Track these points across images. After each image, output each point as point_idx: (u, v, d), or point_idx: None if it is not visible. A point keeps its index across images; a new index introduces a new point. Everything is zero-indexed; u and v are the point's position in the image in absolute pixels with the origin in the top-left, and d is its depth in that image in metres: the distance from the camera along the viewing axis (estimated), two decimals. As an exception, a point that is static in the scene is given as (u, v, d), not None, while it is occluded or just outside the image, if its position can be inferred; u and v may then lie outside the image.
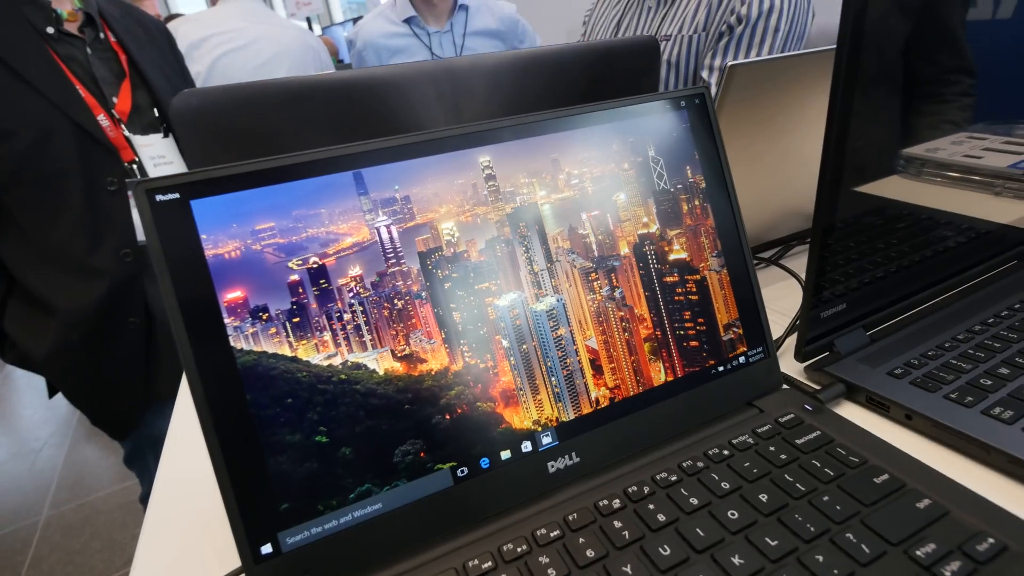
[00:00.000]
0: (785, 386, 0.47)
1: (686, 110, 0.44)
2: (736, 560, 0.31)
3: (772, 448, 0.39)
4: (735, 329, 0.45)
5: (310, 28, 3.95)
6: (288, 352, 0.33)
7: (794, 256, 0.74)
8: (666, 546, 0.33)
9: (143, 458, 1.19)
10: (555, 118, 0.40)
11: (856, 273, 0.51)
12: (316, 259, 0.34)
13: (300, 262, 0.34)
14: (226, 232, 0.32)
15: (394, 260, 0.36)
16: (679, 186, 0.44)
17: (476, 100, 0.49)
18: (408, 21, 1.58)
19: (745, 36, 0.94)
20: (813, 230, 0.45)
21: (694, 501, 0.35)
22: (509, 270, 0.38)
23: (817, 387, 0.47)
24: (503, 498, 0.37)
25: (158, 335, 1.06)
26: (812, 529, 0.32)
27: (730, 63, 0.52)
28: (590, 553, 0.33)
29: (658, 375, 0.42)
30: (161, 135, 1.06)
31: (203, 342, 0.32)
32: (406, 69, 0.46)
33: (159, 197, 0.31)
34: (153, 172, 1.04)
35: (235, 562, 0.37)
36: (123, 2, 1.16)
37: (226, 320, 0.32)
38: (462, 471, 0.36)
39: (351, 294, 0.35)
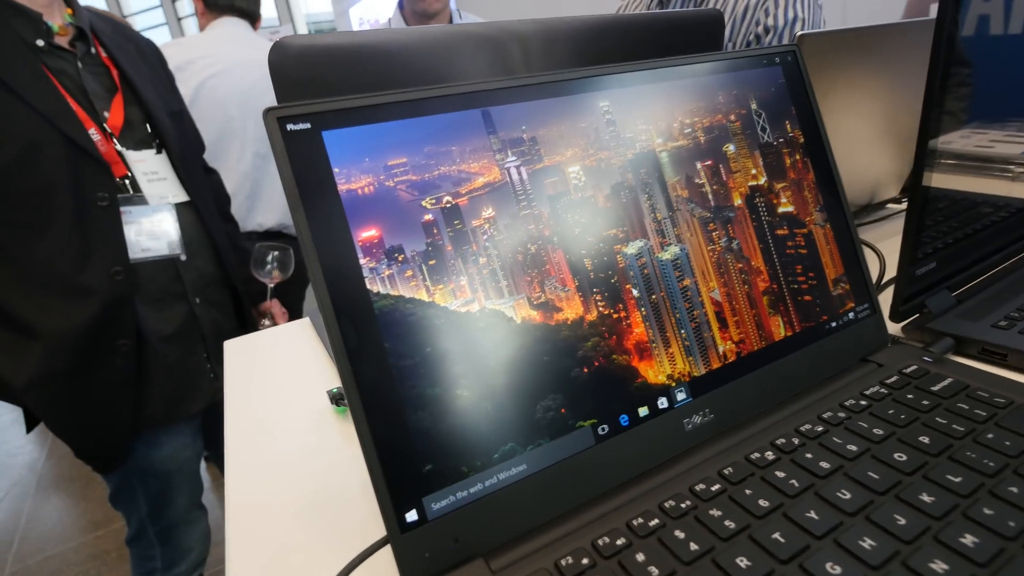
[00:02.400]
0: (891, 345, 0.46)
1: (780, 67, 0.44)
2: (926, 497, 0.29)
3: (910, 396, 0.37)
4: (843, 284, 0.44)
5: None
6: (425, 297, 0.30)
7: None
8: (843, 491, 0.30)
9: (131, 493, 1.09)
10: (667, 66, 0.39)
11: (942, 235, 0.51)
12: (449, 198, 0.32)
13: (434, 201, 0.31)
14: (359, 166, 0.30)
15: (525, 203, 0.33)
16: (781, 140, 0.43)
17: (555, 60, 0.48)
18: None
19: (773, 43, 0.98)
20: (912, 187, 0.45)
21: (853, 447, 0.33)
22: (634, 217, 0.37)
23: (920, 345, 0.46)
24: (644, 458, 0.34)
25: (149, 359, 0.98)
26: (992, 465, 0.31)
27: (800, 32, 0.53)
28: (731, 524, 0.30)
29: (778, 330, 0.40)
30: (154, 151, 1.02)
31: (340, 284, 0.28)
32: (497, 27, 0.44)
33: (290, 126, 0.28)
34: (147, 188, 1.00)
35: (356, 545, 0.33)
36: (113, 19, 1.13)
37: (362, 260, 0.29)
38: (603, 429, 0.34)
39: (485, 237, 0.32)
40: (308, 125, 0.29)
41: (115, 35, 1.06)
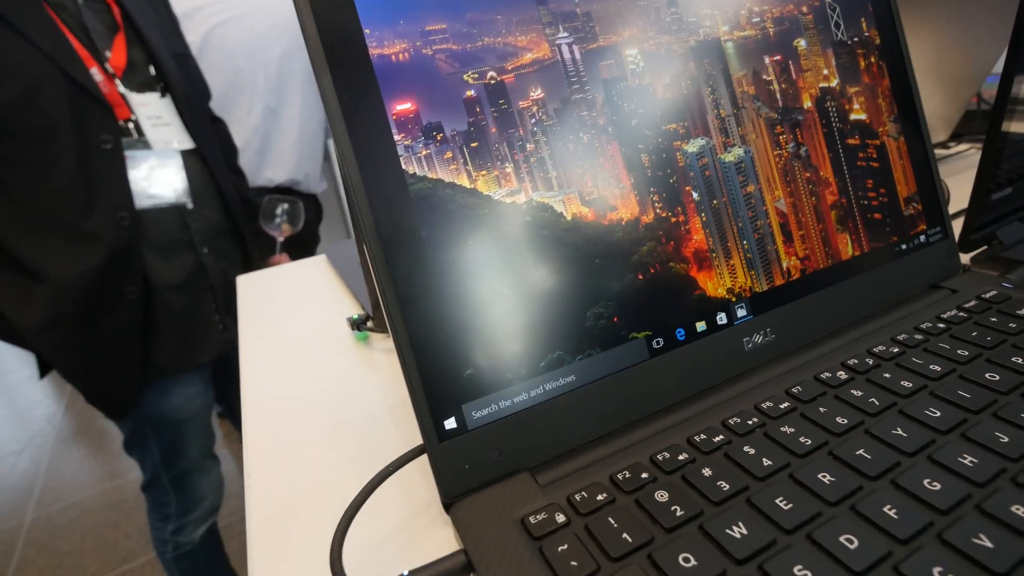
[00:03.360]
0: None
1: (856, -43, 0.39)
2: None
3: (994, 319, 0.34)
4: (915, 204, 0.40)
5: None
6: (467, 183, 0.27)
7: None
8: (932, 408, 0.27)
9: (144, 441, 1.09)
10: (734, -56, 0.35)
11: (1017, 166, 0.47)
12: (494, 74, 0.28)
13: (477, 75, 0.27)
14: (392, 29, 0.26)
15: (578, 85, 0.30)
16: (856, 39, 0.38)
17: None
18: None
19: None
20: (994, 110, 0.40)
21: (936, 368, 0.30)
22: (696, 112, 0.33)
23: (995, 274, 0.42)
24: (701, 376, 0.31)
25: (157, 307, 0.96)
26: (1102, 384, 0.27)
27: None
28: (807, 441, 0.27)
29: (845, 248, 0.37)
30: (158, 95, 0.98)
31: (371, 162, 0.25)
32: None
33: (315, -25, 0.24)
34: (151, 133, 0.96)
35: (389, 452, 0.30)
36: None
37: (396, 136, 0.25)
38: (657, 342, 0.30)
39: (533, 121, 0.28)
40: (335, -23, 0.25)
41: None
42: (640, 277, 0.30)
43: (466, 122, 0.27)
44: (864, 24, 0.39)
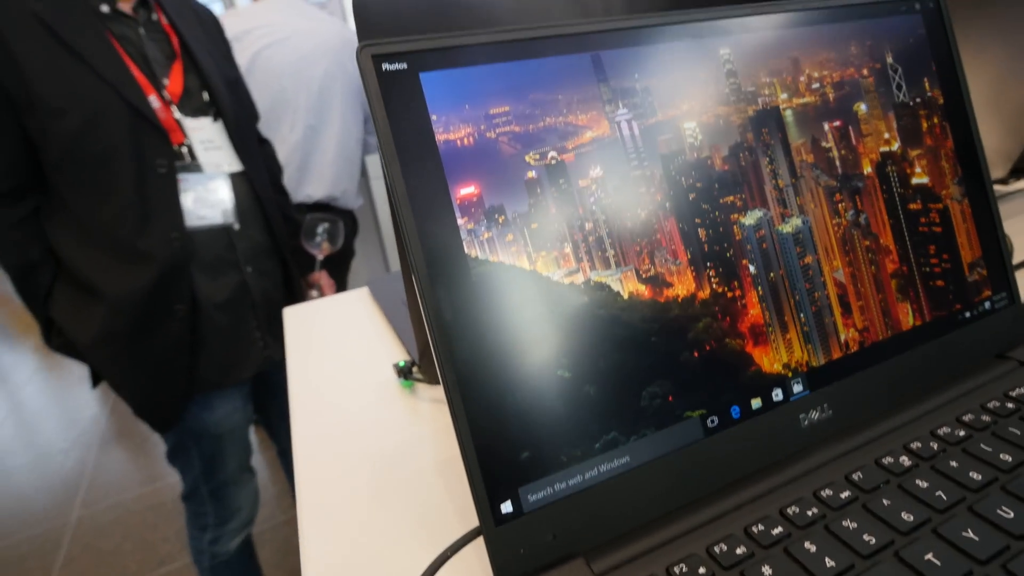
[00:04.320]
0: (1031, 339, 0.40)
1: (920, 15, 0.38)
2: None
3: (1068, 400, 0.32)
4: (979, 269, 0.38)
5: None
6: (527, 265, 0.27)
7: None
8: (1005, 508, 0.26)
9: (186, 453, 1.12)
10: (795, 9, 0.34)
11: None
12: (555, 154, 0.28)
13: (538, 156, 0.28)
14: (458, 114, 0.26)
15: (636, 161, 0.30)
16: (918, 100, 0.37)
17: None
18: None
19: None
20: None
21: (1007, 457, 0.29)
22: (754, 183, 0.32)
23: (1064, 341, 0.40)
24: (757, 455, 0.31)
25: (203, 324, 1.00)
26: None
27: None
28: (871, 540, 0.26)
29: (906, 318, 0.36)
30: (211, 119, 1.02)
31: (436, 247, 0.25)
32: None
33: (386, 66, 0.25)
34: (203, 156, 1.00)
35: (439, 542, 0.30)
36: None
37: (459, 221, 0.26)
38: (712, 420, 0.30)
39: (592, 199, 0.29)
40: (405, 65, 0.26)
41: (175, 2, 1.05)
42: (696, 354, 0.30)
43: (527, 203, 0.27)
44: (927, 84, 0.38)
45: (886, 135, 0.36)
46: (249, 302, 1.08)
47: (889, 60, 0.37)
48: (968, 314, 0.37)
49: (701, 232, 0.31)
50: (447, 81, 0.26)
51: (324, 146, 1.62)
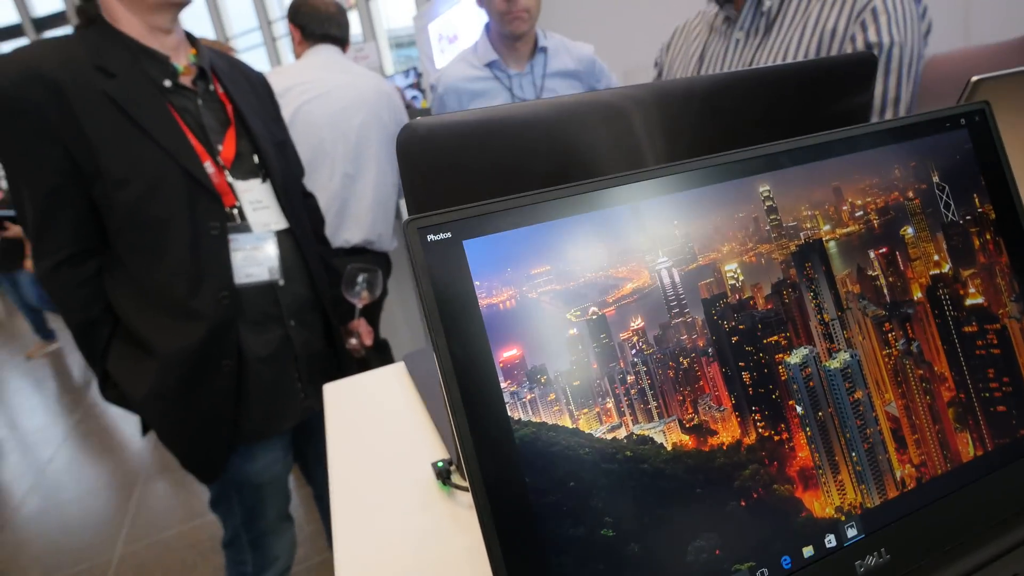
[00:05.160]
0: (1104, 461, 0.38)
1: (966, 129, 0.37)
2: None
3: None
4: (1043, 390, 0.36)
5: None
6: (569, 423, 0.27)
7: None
8: None
9: (228, 502, 1.15)
10: (833, 139, 0.34)
11: None
12: (596, 309, 0.28)
13: (579, 312, 0.28)
14: (500, 277, 0.27)
15: (677, 309, 0.30)
16: (968, 217, 0.36)
17: (692, 126, 0.43)
18: (489, 65, 1.58)
19: (880, 65, 0.87)
20: None
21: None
22: (798, 320, 0.32)
23: None
24: (810, 609, 0.30)
25: (248, 378, 1.03)
26: None
27: (973, 78, 0.45)
28: None
29: (966, 449, 0.34)
30: (260, 180, 1.07)
31: (479, 413, 0.26)
32: (622, 94, 0.41)
33: (431, 237, 0.26)
34: (252, 216, 1.04)
35: None
36: (229, 56, 1.19)
37: (503, 384, 0.26)
38: (762, 573, 0.29)
39: (633, 351, 0.29)
40: (449, 234, 0.27)
41: (230, 71, 1.12)
42: (743, 503, 0.29)
43: (568, 361, 0.28)
44: (977, 200, 0.37)
45: (936, 257, 0.35)
46: (292, 355, 1.11)
47: (935, 179, 0.36)
48: (1033, 440, 0.36)
49: (745, 376, 0.30)
50: (490, 246, 0.27)
51: (361, 193, 1.67)
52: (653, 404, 0.29)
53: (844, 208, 0.34)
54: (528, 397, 0.27)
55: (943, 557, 0.32)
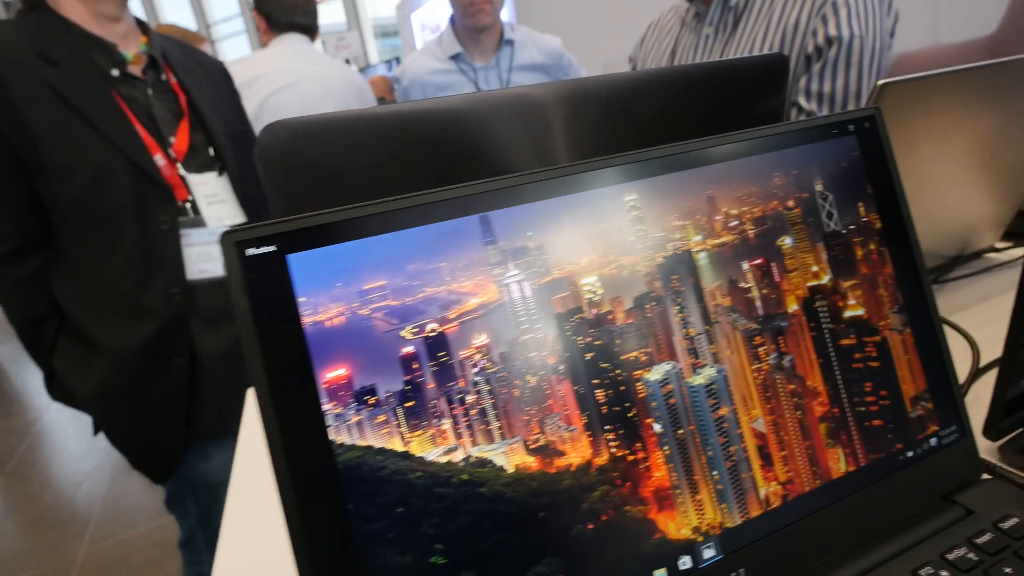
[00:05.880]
0: (985, 475, 0.38)
1: (855, 136, 0.37)
2: None
3: (1008, 570, 0.30)
4: (924, 403, 0.36)
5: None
6: (399, 446, 0.26)
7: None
8: None
9: (183, 502, 1.13)
10: (709, 147, 0.33)
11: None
12: (435, 325, 0.27)
13: (416, 330, 0.27)
14: (329, 294, 0.26)
15: (527, 325, 0.29)
16: (852, 227, 0.36)
17: (586, 129, 0.42)
18: (454, 58, 1.56)
19: (841, 59, 0.87)
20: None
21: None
22: (661, 335, 0.31)
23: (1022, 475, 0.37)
24: (660, 632, 0.29)
25: (202, 376, 1.01)
26: None
27: (881, 82, 0.45)
28: None
29: (837, 464, 0.33)
30: (216, 173, 1.04)
31: (296, 437, 0.25)
32: (509, 95, 0.39)
33: (251, 251, 0.25)
34: (206, 210, 1.02)
35: None
36: (185, 44, 1.16)
37: (325, 407, 0.25)
38: (610, 597, 0.28)
39: (475, 369, 0.28)
40: (273, 248, 0.25)
41: (185, 60, 1.08)
42: (590, 526, 0.28)
43: (402, 381, 0.26)
44: (862, 208, 0.36)
45: (815, 268, 0.35)
46: None
47: (818, 188, 0.35)
48: (911, 453, 0.35)
49: (599, 393, 0.29)
50: (319, 260, 0.26)
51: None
52: (495, 425, 0.28)
53: (717, 218, 0.33)
54: (354, 419, 0.26)
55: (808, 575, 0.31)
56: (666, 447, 0.30)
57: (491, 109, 0.40)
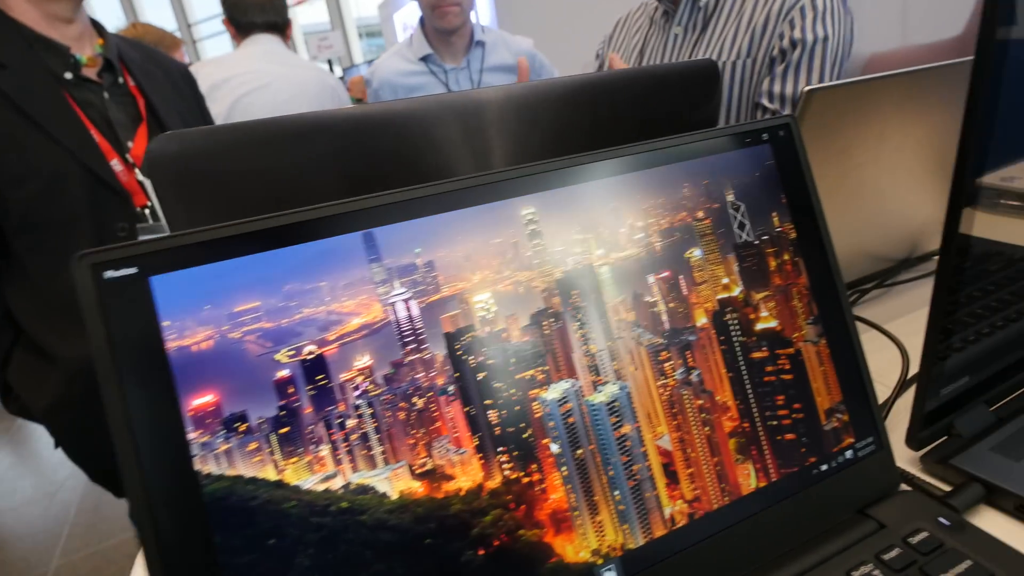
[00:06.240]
0: (903, 487, 0.37)
1: (769, 144, 0.36)
2: None
3: (911, 587, 0.29)
4: (839, 415, 0.35)
5: (331, 70, 4.02)
6: (272, 475, 0.25)
7: (868, 304, 0.65)
8: None
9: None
10: (614, 157, 0.32)
11: (971, 332, 0.42)
12: (313, 348, 0.26)
13: (292, 352, 0.26)
14: (196, 317, 0.25)
15: (414, 345, 0.28)
16: (765, 237, 0.35)
17: (510, 138, 0.41)
18: (424, 59, 1.54)
19: (803, 62, 0.87)
20: (938, 275, 0.36)
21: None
22: (560, 352, 0.30)
23: (942, 486, 0.37)
24: (556, 659, 0.28)
25: None
26: None
27: (806, 88, 0.44)
28: None
29: (747, 481, 0.33)
30: None
31: (158, 467, 0.23)
32: (427, 103, 0.38)
33: (109, 274, 0.24)
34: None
35: None
36: (145, 46, 1.14)
37: (190, 435, 0.24)
38: (502, 624, 0.27)
39: (357, 393, 0.27)
40: (135, 270, 0.24)
41: (144, 63, 1.06)
42: (481, 552, 0.27)
43: (276, 407, 0.25)
44: (776, 218, 0.36)
45: (725, 280, 0.34)
46: None
47: (730, 198, 0.35)
48: (824, 467, 0.35)
49: (492, 414, 0.28)
50: (185, 282, 0.25)
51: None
52: (378, 450, 0.27)
53: (622, 231, 0.32)
54: (222, 448, 0.24)
55: (713, 595, 0.31)
56: (564, 468, 0.29)
57: (409, 118, 0.39)
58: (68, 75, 0.92)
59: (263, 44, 1.60)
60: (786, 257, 0.36)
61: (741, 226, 0.35)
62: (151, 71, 1.07)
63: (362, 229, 0.27)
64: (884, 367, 0.49)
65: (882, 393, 0.47)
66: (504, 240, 0.30)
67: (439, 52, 1.55)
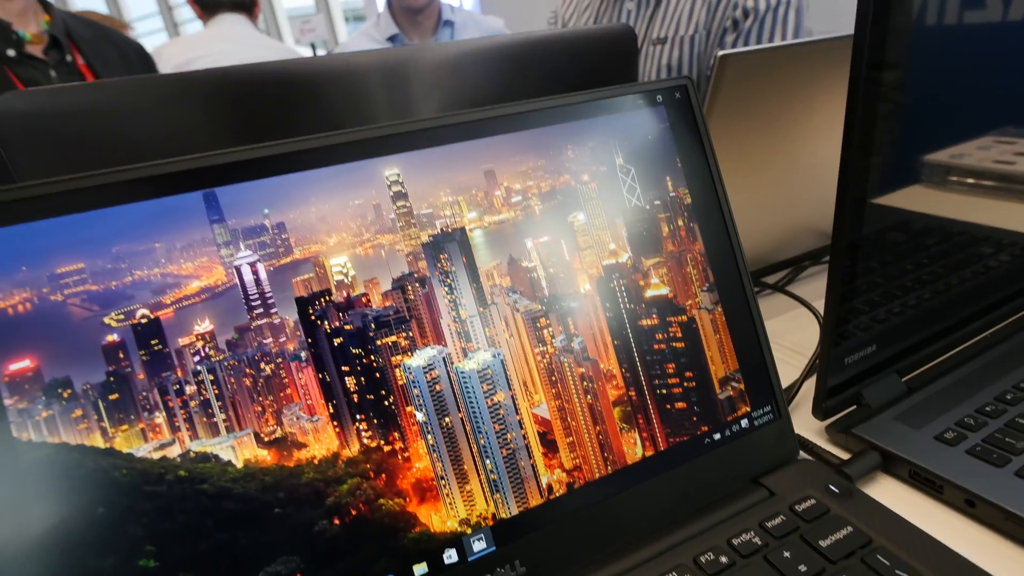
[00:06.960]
0: (803, 455, 0.37)
1: (664, 107, 0.35)
2: None
3: (787, 554, 0.29)
4: (734, 384, 0.35)
5: (314, 53, 3.95)
6: (101, 443, 0.24)
7: (806, 280, 0.64)
8: None
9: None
10: (488, 117, 0.31)
11: (885, 304, 0.41)
12: (146, 311, 0.25)
13: (122, 316, 0.25)
14: (11, 279, 0.23)
15: (261, 310, 0.26)
16: (657, 202, 0.34)
17: (419, 99, 0.40)
18: (392, 39, 1.52)
19: (754, 30, 0.86)
20: (832, 252, 0.35)
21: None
22: (426, 318, 0.29)
23: (844, 455, 0.36)
24: (417, 631, 0.27)
25: None
26: None
27: (719, 53, 0.43)
28: None
29: (633, 450, 0.32)
30: None
31: (-31, 435, 0.22)
32: (337, 61, 0.37)
33: (-91, 232, 0.22)
34: None
35: None
36: (98, 24, 1.11)
37: (7, 401, 0.23)
38: (357, 597, 0.27)
39: (197, 358, 0.25)
40: (-59, 228, 0.23)
41: (96, 41, 1.04)
42: (336, 522, 0.26)
43: (104, 372, 0.24)
44: (670, 183, 0.34)
45: (612, 246, 0.33)
46: None
47: (619, 161, 0.33)
48: (717, 436, 0.34)
49: (350, 381, 0.27)
50: (-1, 241, 0.23)
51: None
52: (220, 417, 0.25)
53: (497, 193, 0.31)
54: (43, 415, 0.23)
55: (590, 568, 0.30)
56: (429, 436, 0.28)
57: (300, 75, 0.37)
58: (11, 52, 0.90)
59: (229, 24, 1.56)
60: (680, 223, 0.34)
61: (631, 190, 0.34)
62: (103, 49, 1.04)
63: (203, 188, 0.26)
64: (812, 341, 0.48)
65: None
66: (364, 202, 0.28)
67: (406, 31, 1.52)
